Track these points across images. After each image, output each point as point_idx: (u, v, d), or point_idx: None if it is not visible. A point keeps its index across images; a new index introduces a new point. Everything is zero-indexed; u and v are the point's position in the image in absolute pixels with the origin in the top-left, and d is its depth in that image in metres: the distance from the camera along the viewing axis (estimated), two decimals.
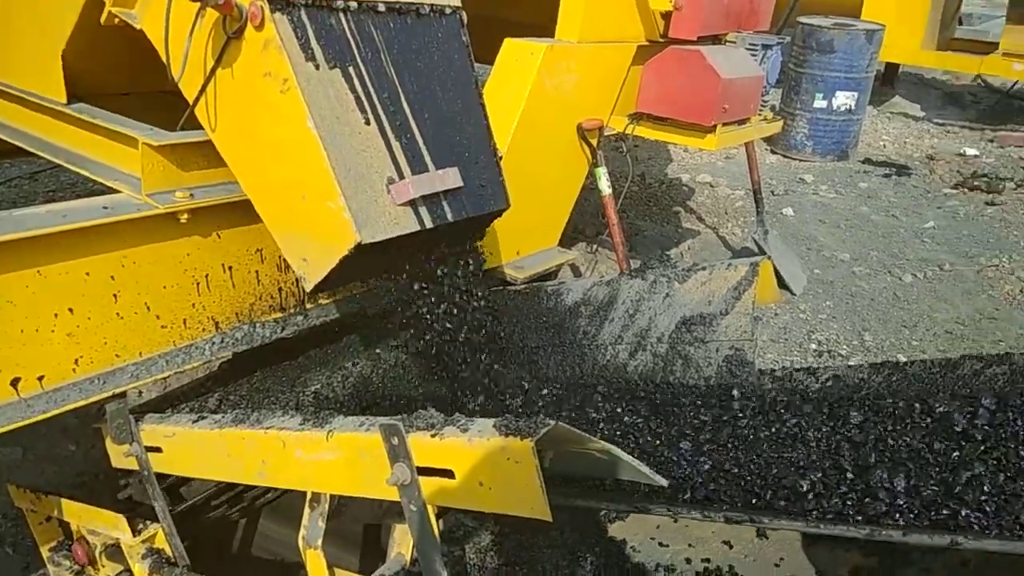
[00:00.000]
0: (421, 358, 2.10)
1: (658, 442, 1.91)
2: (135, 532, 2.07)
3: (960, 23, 9.49)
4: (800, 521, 1.55)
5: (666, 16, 3.37)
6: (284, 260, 2.14)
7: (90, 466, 3.04)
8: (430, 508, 1.48)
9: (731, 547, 1.77)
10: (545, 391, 2.15)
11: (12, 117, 2.52)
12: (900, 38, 7.52)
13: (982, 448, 1.60)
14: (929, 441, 1.68)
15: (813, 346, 4.11)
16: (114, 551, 2.16)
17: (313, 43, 1.72)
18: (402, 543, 1.66)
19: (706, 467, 1.76)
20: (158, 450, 1.96)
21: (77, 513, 2.19)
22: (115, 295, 1.86)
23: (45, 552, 2.33)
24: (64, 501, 2.19)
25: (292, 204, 1.79)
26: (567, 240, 4.72)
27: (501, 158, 2.18)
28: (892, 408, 1.80)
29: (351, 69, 1.79)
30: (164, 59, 1.83)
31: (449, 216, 1.93)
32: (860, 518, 1.50)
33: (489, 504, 1.30)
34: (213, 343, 2.06)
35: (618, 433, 1.96)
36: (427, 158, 1.90)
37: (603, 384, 2.18)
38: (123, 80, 2.49)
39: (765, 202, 4.96)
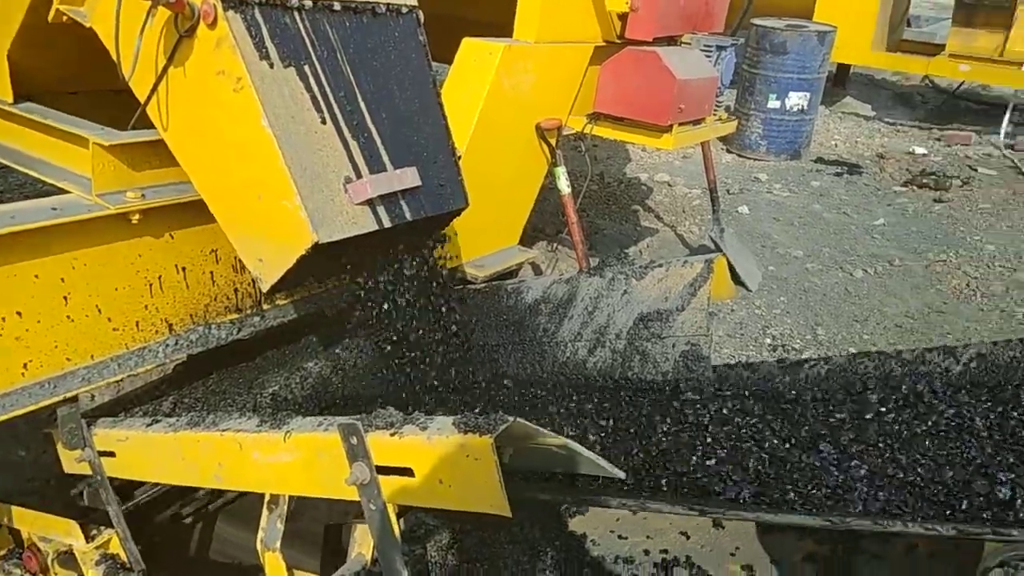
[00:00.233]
0: (381, 357, 2.10)
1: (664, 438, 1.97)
2: (88, 538, 2.03)
3: (908, 25, 9.76)
4: (755, 511, 1.59)
5: (622, 17, 3.41)
6: (240, 260, 2.12)
7: (41, 472, 2.97)
8: (390, 507, 1.48)
9: (688, 538, 1.80)
10: (506, 388, 2.17)
11: None
12: (851, 39, 7.70)
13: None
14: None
15: (768, 341, 4.19)
16: (67, 558, 2.12)
17: (267, 41, 1.70)
18: (363, 543, 1.66)
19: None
20: (111, 454, 1.92)
21: (28, 520, 2.14)
22: (65, 297, 1.82)
23: None
24: (14, 508, 2.14)
25: (247, 204, 1.77)
26: (527, 239, 4.74)
27: (460, 157, 2.19)
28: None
29: (306, 68, 1.78)
30: (114, 57, 1.80)
31: (408, 215, 1.93)
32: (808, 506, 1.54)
33: (449, 501, 1.31)
34: (167, 345, 2.03)
35: (587, 429, 1.98)
36: (385, 157, 1.90)
37: (564, 380, 2.21)
38: (72, 78, 2.44)
39: (721, 200, 5.05)
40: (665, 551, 1.80)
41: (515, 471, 1.55)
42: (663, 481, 1.83)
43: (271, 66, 1.70)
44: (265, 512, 1.70)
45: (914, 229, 5.69)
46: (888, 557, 1.64)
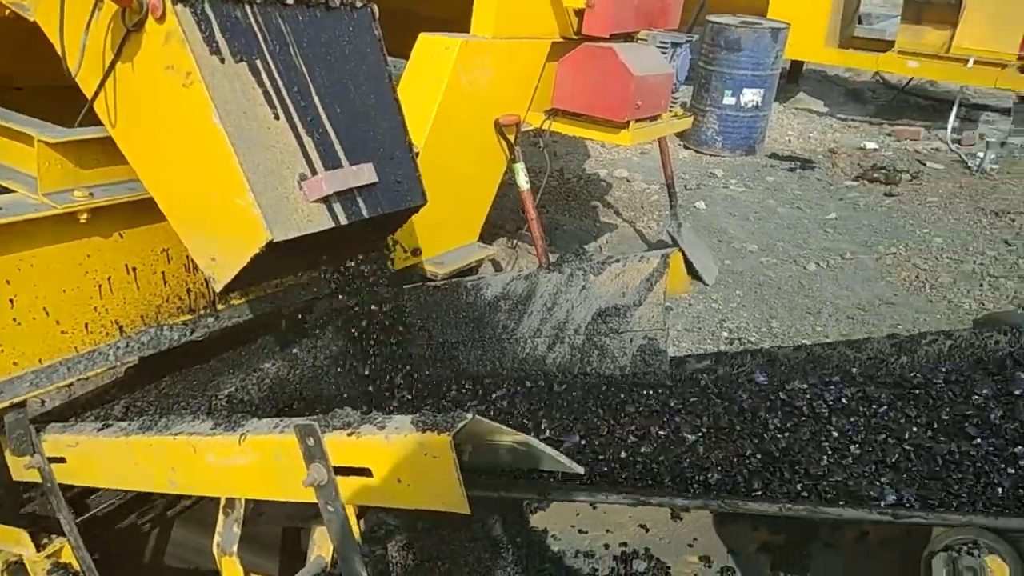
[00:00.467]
0: (339, 356, 2.08)
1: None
2: (39, 547, 1.98)
3: (860, 22, 9.97)
4: (715, 501, 1.61)
5: (579, 13, 3.42)
6: (192, 260, 2.08)
7: None
8: (349, 508, 1.47)
9: (647, 530, 1.83)
10: (466, 385, 2.17)
11: None
12: (804, 36, 7.84)
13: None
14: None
15: (725, 334, 4.26)
16: (17, 568, 2.06)
17: (217, 36, 1.67)
18: (322, 545, 1.64)
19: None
20: (61, 460, 1.87)
21: None
22: (11, 300, 1.77)
23: None
24: None
25: (199, 202, 1.74)
26: (487, 235, 4.74)
27: (417, 154, 2.18)
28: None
29: (258, 63, 1.75)
30: (60, 52, 1.75)
31: (364, 212, 1.91)
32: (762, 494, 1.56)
33: (408, 500, 1.30)
34: (118, 348, 1.98)
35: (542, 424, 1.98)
36: (340, 154, 1.88)
37: (524, 376, 2.21)
38: (16, 74, 2.37)
39: (678, 196, 5.10)
40: (624, 544, 1.82)
41: (475, 468, 1.55)
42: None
43: (222, 61, 1.67)
44: (221, 516, 1.67)
45: (865, 223, 5.83)
46: (840, 545, 1.68)
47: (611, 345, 2.14)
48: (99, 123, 1.81)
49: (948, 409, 1.70)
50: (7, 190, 1.87)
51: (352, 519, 1.65)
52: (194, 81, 1.62)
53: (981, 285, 4.85)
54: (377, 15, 2.04)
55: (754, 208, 6.07)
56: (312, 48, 1.89)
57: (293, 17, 1.85)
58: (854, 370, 1.91)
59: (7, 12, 1.83)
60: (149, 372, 2.29)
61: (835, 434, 1.71)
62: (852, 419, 1.74)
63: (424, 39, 3.04)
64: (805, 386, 1.87)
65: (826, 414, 1.78)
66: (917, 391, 1.78)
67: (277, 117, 1.77)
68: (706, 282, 4.80)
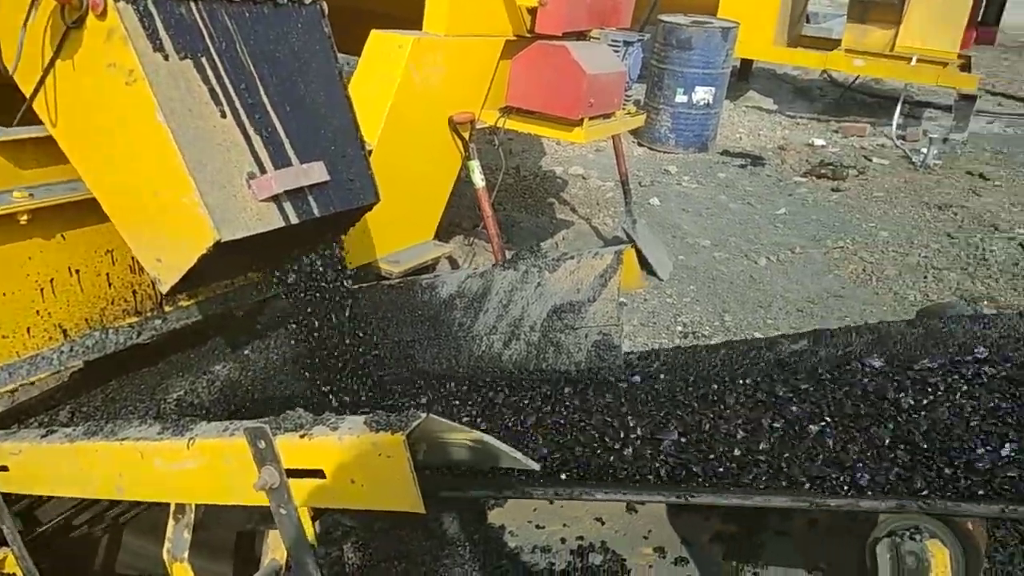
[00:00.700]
0: (292, 357, 2.06)
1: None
2: None
3: (807, 21, 10.19)
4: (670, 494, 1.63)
5: (532, 12, 3.43)
6: (138, 261, 2.03)
7: None
8: (304, 511, 1.45)
9: (603, 523, 1.84)
10: (421, 384, 2.16)
11: None
12: (753, 35, 7.99)
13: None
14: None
15: (679, 328, 4.32)
16: None
17: (161, 32, 1.64)
18: (276, 549, 1.62)
19: None
20: (4, 469, 1.81)
21: None
22: None
23: None
24: None
25: (143, 202, 1.70)
26: (444, 233, 4.73)
27: (370, 152, 2.16)
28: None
29: (204, 60, 1.72)
30: None
31: (316, 211, 1.89)
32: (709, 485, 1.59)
33: (362, 501, 1.30)
34: (61, 352, 1.93)
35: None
36: (290, 152, 1.85)
37: (480, 374, 2.21)
38: None
39: (633, 192, 5.15)
40: (581, 538, 1.84)
41: (430, 467, 1.55)
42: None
43: (166, 58, 1.64)
44: (171, 522, 1.64)
45: (814, 218, 5.96)
46: (791, 532, 1.72)
47: (566, 341, 2.15)
48: (39, 122, 1.75)
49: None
50: None
51: (307, 521, 1.63)
52: (137, 79, 1.59)
53: (925, 277, 5.00)
54: (326, 11, 2.02)
55: (707, 204, 6.17)
56: (260, 45, 1.86)
57: (240, 14, 1.81)
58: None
59: None
60: (95, 376, 2.23)
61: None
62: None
63: (376, 36, 3.02)
64: (935, 366, 1.70)
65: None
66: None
67: (224, 115, 1.74)
68: (661, 277, 4.87)
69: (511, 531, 1.86)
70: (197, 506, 1.64)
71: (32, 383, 1.94)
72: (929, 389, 1.61)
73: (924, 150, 7.22)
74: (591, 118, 3.65)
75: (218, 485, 1.47)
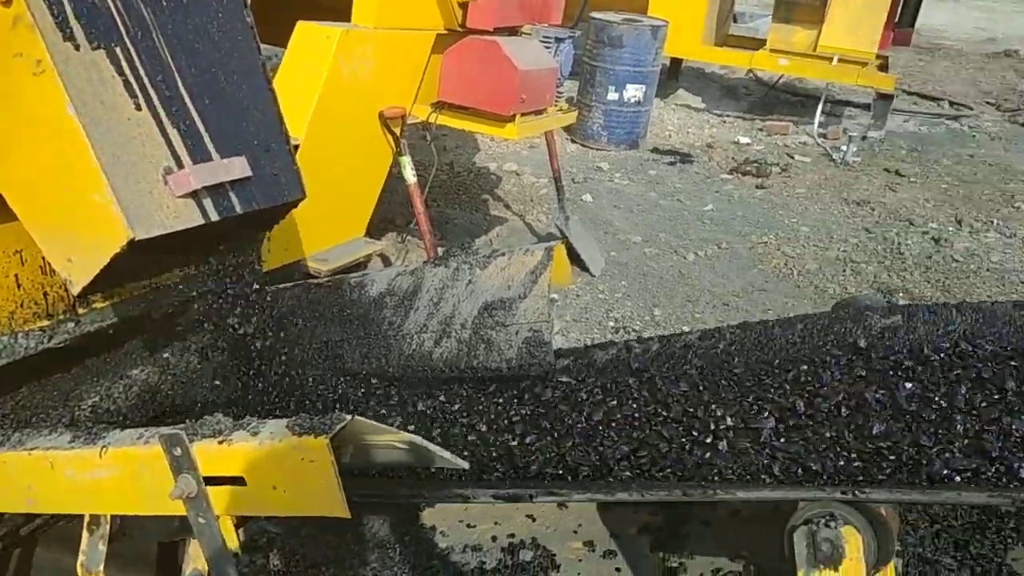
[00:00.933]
0: (214, 361, 2.00)
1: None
2: None
3: (735, 21, 10.45)
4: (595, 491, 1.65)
5: (463, 6, 3.42)
6: (48, 261, 1.93)
7: None
8: (227, 519, 1.41)
9: (534, 520, 1.85)
10: (350, 384, 2.12)
11: None
12: (682, 34, 8.14)
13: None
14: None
15: (611, 323, 4.37)
16: None
17: (71, 21, 1.56)
18: (197, 558, 1.57)
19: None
20: None
21: None
22: None
23: None
24: None
25: (52, 199, 1.62)
26: (376, 230, 4.67)
27: (297, 146, 2.11)
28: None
29: (118, 50, 1.64)
30: None
31: (238, 208, 1.83)
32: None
33: (285, 507, 1.26)
34: None
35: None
36: (210, 146, 1.79)
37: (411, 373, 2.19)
38: None
39: (566, 189, 5.20)
40: (512, 535, 1.84)
41: (358, 469, 1.53)
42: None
43: (76, 48, 1.56)
44: (85, 534, 1.57)
45: (739, 214, 6.12)
46: (714, 522, 1.76)
47: (497, 338, 2.15)
48: None
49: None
50: None
51: (229, 529, 1.58)
52: (45, 69, 1.51)
53: (844, 270, 5.19)
54: (249, 1, 1.96)
55: (638, 201, 6.26)
56: (177, 35, 1.79)
57: (156, 2, 1.75)
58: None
59: None
60: (4, 383, 2.11)
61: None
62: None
63: (302, 27, 2.95)
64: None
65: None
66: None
67: (139, 108, 1.67)
68: (593, 273, 4.92)
69: (442, 531, 1.85)
70: (113, 517, 1.57)
71: None
72: None
73: (844, 148, 7.49)
74: (523, 114, 3.66)
75: (133, 495, 1.41)
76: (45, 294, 1.99)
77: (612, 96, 7.23)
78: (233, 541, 1.56)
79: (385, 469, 1.62)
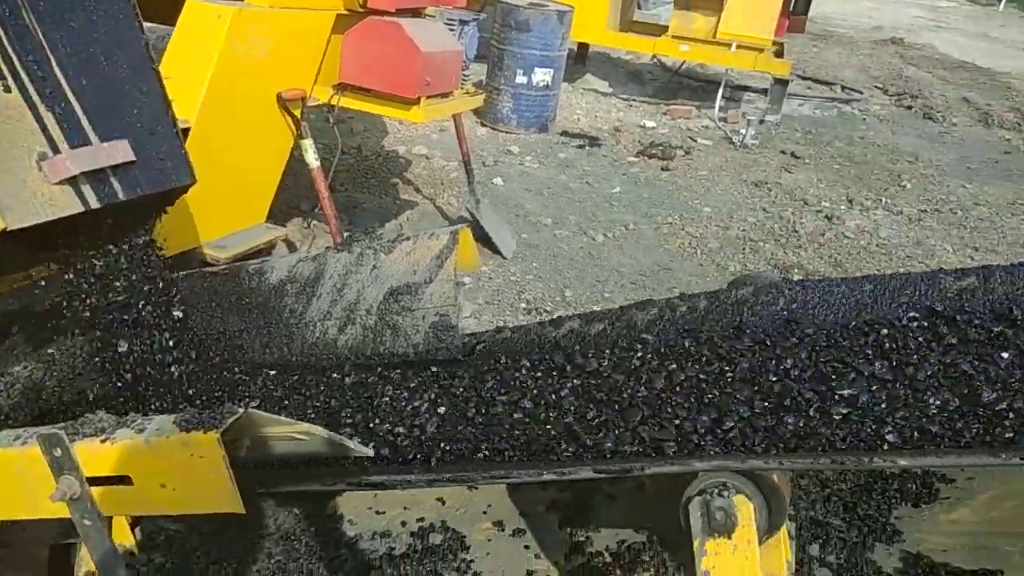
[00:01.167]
0: (103, 355, 1.90)
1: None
2: None
3: (639, 7, 10.62)
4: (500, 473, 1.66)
5: None
6: None
7: None
8: (122, 518, 1.35)
9: (444, 503, 1.85)
10: (248, 375, 2.06)
11: None
12: (587, 19, 8.21)
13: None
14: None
15: (523, 305, 4.41)
16: None
17: None
18: (88, 561, 1.50)
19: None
20: None
21: None
22: None
23: None
24: None
25: None
26: (281, 216, 4.54)
27: (188, 130, 2.02)
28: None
29: None
30: None
31: (121, 194, 1.75)
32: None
33: (176, 506, 1.22)
34: None
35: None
36: (89, 130, 1.70)
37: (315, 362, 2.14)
38: None
39: (477, 173, 5.18)
40: (422, 519, 1.83)
41: (257, 463, 1.48)
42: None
43: None
44: None
45: (645, 195, 6.26)
46: (620, 496, 1.80)
47: (404, 324, 2.13)
48: None
49: None
50: None
51: (124, 528, 1.52)
52: None
53: (744, 249, 5.39)
54: None
55: (548, 184, 6.31)
56: (52, 13, 1.69)
57: None
58: None
59: None
60: None
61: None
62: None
63: (192, 5, 2.82)
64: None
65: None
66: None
67: (8, 90, 1.58)
68: (505, 256, 4.93)
69: (350, 519, 1.83)
70: None
71: None
72: None
73: (743, 131, 7.76)
74: (429, 97, 3.61)
75: (13, 498, 1.33)
76: None
77: (521, 80, 7.24)
78: (128, 540, 1.50)
79: (288, 460, 1.58)
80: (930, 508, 1.73)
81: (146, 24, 1.94)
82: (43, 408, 2.01)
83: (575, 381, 1.67)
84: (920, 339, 1.44)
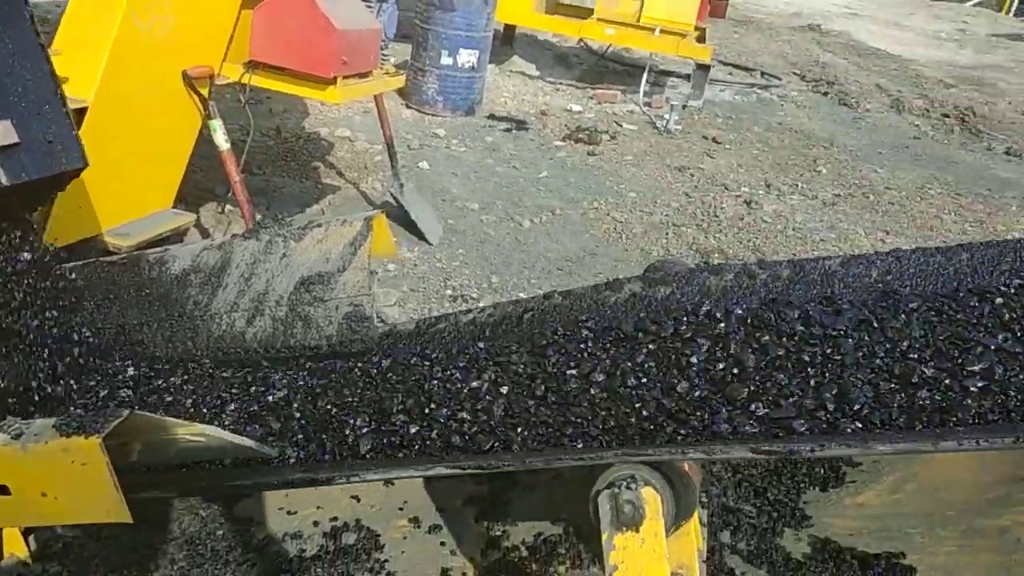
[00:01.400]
0: None
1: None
2: None
3: None
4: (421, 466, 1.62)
5: None
6: None
7: None
8: (12, 529, 1.25)
9: (359, 501, 1.80)
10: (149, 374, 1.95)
11: None
12: (513, 1, 8.15)
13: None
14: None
15: (449, 292, 4.36)
16: None
17: None
18: None
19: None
20: None
21: None
22: None
23: None
24: None
25: None
26: (192, 201, 4.36)
27: (84, 110, 1.89)
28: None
29: None
30: None
31: (3, 179, 1.63)
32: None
33: (58, 516, 1.13)
34: None
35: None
36: None
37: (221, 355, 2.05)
38: None
39: (402, 156, 5.08)
40: (335, 518, 1.78)
41: (154, 465, 1.41)
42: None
43: None
44: None
45: (572, 180, 6.27)
46: (537, 487, 1.79)
47: (316, 314, 2.06)
48: None
49: None
50: None
51: (16, 538, 1.42)
52: None
53: (667, 233, 5.47)
54: None
55: (475, 168, 6.25)
56: None
57: None
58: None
59: None
60: None
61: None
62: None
63: None
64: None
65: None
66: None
67: None
68: (430, 242, 4.86)
69: (259, 522, 1.76)
70: None
71: None
72: None
73: (667, 116, 7.85)
74: (345, 77, 3.50)
75: None
76: None
77: (446, 60, 7.13)
78: (21, 550, 1.40)
79: (185, 462, 1.50)
80: (837, 492, 1.78)
81: None
82: None
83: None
84: None
